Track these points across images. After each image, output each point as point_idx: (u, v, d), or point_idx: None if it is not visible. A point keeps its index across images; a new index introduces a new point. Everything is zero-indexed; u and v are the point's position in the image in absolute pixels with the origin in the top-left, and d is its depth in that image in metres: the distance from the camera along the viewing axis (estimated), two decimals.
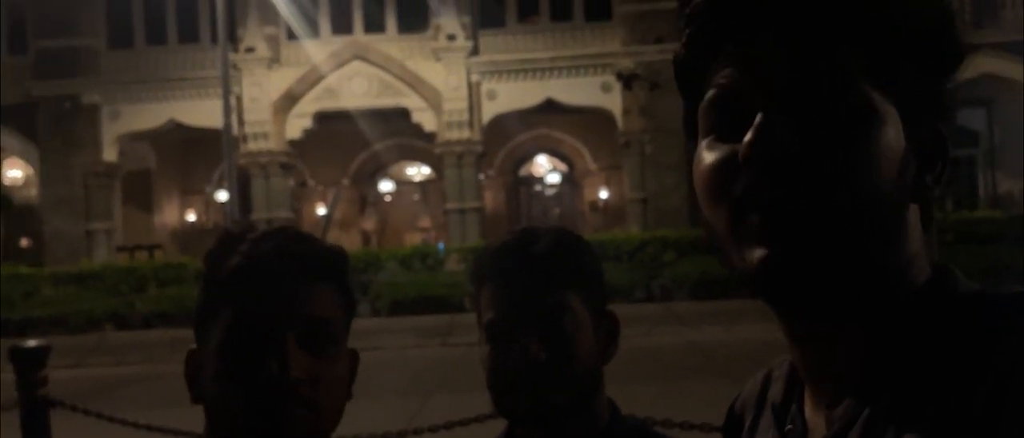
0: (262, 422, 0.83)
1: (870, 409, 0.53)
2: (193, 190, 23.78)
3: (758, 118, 0.53)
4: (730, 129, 0.56)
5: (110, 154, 19.90)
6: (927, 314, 0.54)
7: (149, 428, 3.79)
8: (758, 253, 0.53)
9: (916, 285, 0.56)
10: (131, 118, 19.88)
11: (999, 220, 14.83)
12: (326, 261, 0.91)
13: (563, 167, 24.23)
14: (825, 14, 0.54)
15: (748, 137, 0.53)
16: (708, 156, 0.57)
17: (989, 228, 13.94)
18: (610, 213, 22.22)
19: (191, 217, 23.98)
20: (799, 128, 0.53)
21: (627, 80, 18.80)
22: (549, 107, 19.66)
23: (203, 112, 19.33)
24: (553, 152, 23.95)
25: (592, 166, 23.10)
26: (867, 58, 0.54)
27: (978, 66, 15.40)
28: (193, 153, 22.62)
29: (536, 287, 1.04)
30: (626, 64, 18.91)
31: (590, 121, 20.78)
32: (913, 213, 0.57)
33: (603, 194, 23.06)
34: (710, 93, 0.58)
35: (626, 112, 19.12)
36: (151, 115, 19.87)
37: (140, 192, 21.98)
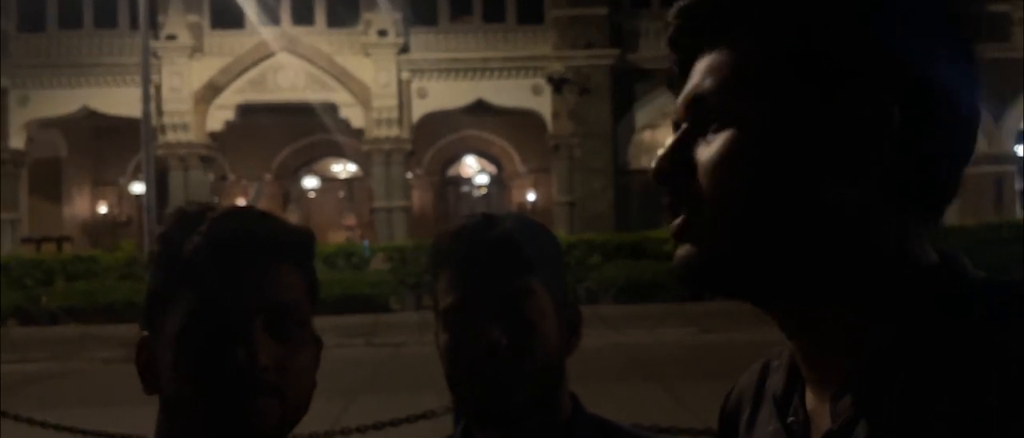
0: (229, 413, 0.78)
1: (877, 401, 0.52)
2: (106, 181, 22.89)
3: (673, 136, 0.58)
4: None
5: (17, 141, 18.99)
6: (934, 301, 0.53)
7: (59, 428, 3.59)
8: (678, 250, 0.58)
9: (919, 271, 0.55)
10: (41, 104, 19.00)
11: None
12: (292, 242, 0.86)
13: (492, 168, 24.26)
14: (751, 26, 0.57)
15: (658, 155, 0.58)
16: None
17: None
18: (538, 215, 22.29)
19: (103, 209, 23.07)
20: (707, 141, 0.56)
21: (557, 84, 18.96)
22: (479, 108, 19.67)
23: (119, 100, 18.63)
24: (482, 153, 23.96)
25: (520, 168, 23.19)
26: (804, 57, 0.55)
27: None
28: (106, 143, 21.78)
29: (497, 271, 0.99)
30: (557, 68, 19.06)
31: (520, 123, 20.87)
32: (867, 194, 0.55)
33: (531, 197, 23.19)
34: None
35: (556, 115, 19.27)
36: (62, 101, 19.04)
37: (49, 182, 21.04)
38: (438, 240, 1.06)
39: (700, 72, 0.58)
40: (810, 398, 0.59)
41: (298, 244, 0.87)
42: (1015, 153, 19.70)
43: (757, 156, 0.54)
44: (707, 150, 0.56)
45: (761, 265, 0.55)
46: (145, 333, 0.85)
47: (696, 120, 0.58)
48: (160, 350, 0.82)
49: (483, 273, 1.00)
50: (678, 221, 0.58)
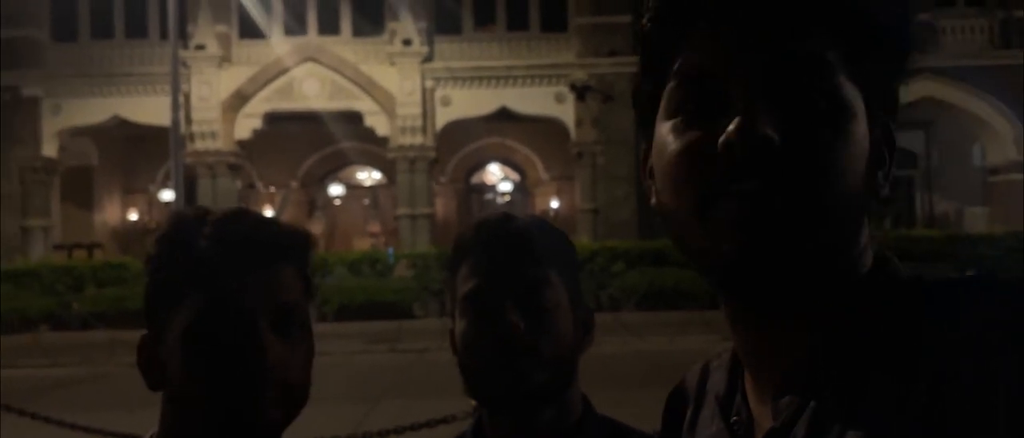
0: (238, 408, 0.81)
1: (816, 400, 0.53)
2: (136, 189, 23.21)
3: (742, 104, 0.52)
4: (701, 113, 0.55)
5: (50, 149, 19.31)
6: (868, 301, 0.54)
7: (89, 430, 3.68)
8: (731, 243, 0.53)
9: (860, 274, 0.56)
10: (73, 113, 19.33)
11: (936, 239, 15.32)
12: (291, 244, 0.89)
13: (515, 176, 24.28)
14: (799, 2, 0.54)
15: (733, 126, 0.52)
16: (676, 140, 0.55)
17: (926, 247, 14.39)
18: (561, 223, 22.25)
19: (133, 216, 23.39)
20: (781, 119, 0.52)
21: (581, 91, 18.95)
22: (503, 116, 19.71)
23: (149, 109, 18.90)
24: (505, 161, 23.99)
25: (544, 176, 23.20)
26: (840, 49, 0.54)
27: (917, 89, 15.92)
28: (137, 151, 22.09)
29: (516, 260, 1.02)
30: (580, 75, 19.06)
31: (543, 131, 20.88)
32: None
33: (554, 204, 23.18)
34: (682, 74, 0.56)
35: (579, 123, 19.26)
36: (94, 110, 19.35)
37: (80, 189, 21.37)
38: (460, 234, 1.09)
39: (750, 46, 0.53)
40: (753, 397, 0.59)
41: (298, 246, 0.90)
42: None
43: (850, 152, 0.53)
44: (804, 136, 0.52)
45: (813, 266, 0.53)
46: (145, 332, 0.88)
47: (759, 95, 0.53)
48: (166, 348, 0.85)
49: (503, 261, 1.02)
50: (747, 192, 0.52)
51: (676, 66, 0.56)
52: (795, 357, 0.55)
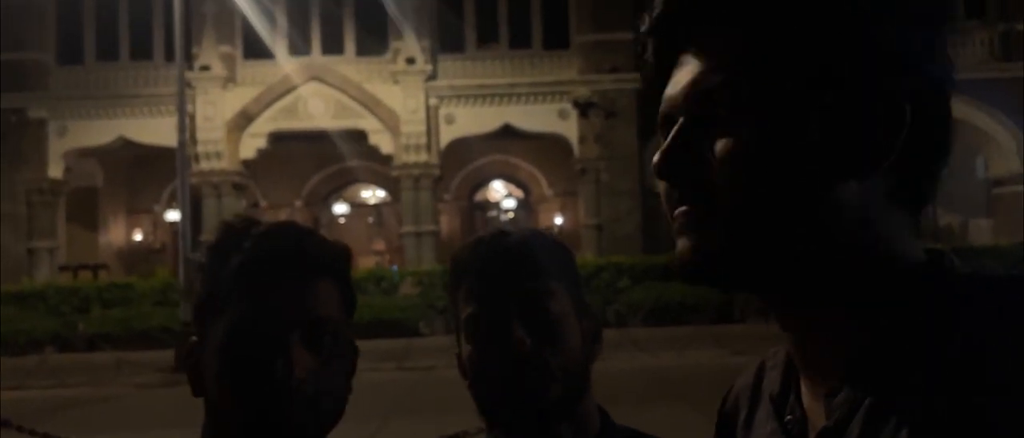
0: (266, 422, 0.82)
1: (871, 397, 0.52)
2: (141, 209, 23.27)
3: (672, 133, 0.58)
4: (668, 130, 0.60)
5: (55, 170, 19.40)
6: (921, 297, 0.54)
7: None
8: (678, 244, 0.58)
9: (908, 268, 0.55)
10: (79, 134, 19.43)
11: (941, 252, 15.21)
12: (329, 258, 0.90)
13: (519, 193, 24.31)
14: (739, 26, 0.56)
15: (660, 148, 0.58)
16: (653, 157, 0.60)
17: None
18: (565, 239, 22.09)
19: (138, 236, 23.44)
20: (707, 137, 0.56)
21: (583, 108, 19.01)
22: (506, 132, 19.76)
23: (154, 130, 18.99)
24: (509, 177, 24.03)
25: (548, 192, 23.22)
26: (801, 53, 0.55)
27: None
28: (142, 171, 22.17)
29: (517, 274, 1.01)
30: (582, 92, 19.13)
31: (546, 147, 20.92)
32: (853, 191, 0.55)
33: (558, 220, 23.18)
34: (660, 109, 0.61)
35: (582, 139, 19.31)
36: (100, 132, 19.45)
37: (85, 210, 21.44)
38: (456, 255, 1.07)
39: (701, 66, 0.57)
40: (806, 396, 0.59)
41: (335, 259, 0.91)
42: None
43: (775, 153, 0.54)
44: (723, 145, 0.55)
45: (768, 260, 0.55)
46: (194, 339, 0.90)
47: (700, 113, 0.56)
48: (206, 357, 0.87)
49: (502, 278, 1.00)
50: (681, 211, 0.57)
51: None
52: (848, 355, 0.55)
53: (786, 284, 0.57)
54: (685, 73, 0.58)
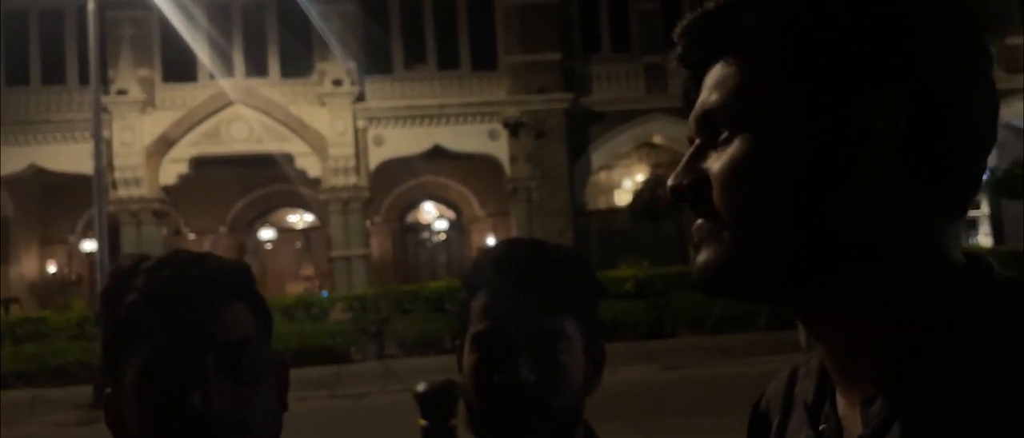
0: None
1: (909, 406, 0.51)
2: (54, 240, 22.32)
3: (689, 150, 0.60)
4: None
5: None
6: (962, 303, 0.53)
7: None
8: (696, 256, 0.60)
9: (948, 272, 0.55)
10: None
11: None
12: (230, 278, 0.87)
13: (450, 214, 24.24)
14: (749, 37, 0.58)
15: (675, 171, 0.60)
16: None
17: None
18: None
19: (52, 269, 22.45)
20: (713, 154, 0.58)
21: (514, 128, 19.13)
22: (436, 153, 19.72)
23: (68, 157, 18.28)
24: (440, 199, 23.94)
25: (479, 212, 23.21)
26: (777, 58, 0.56)
27: None
28: (55, 200, 21.29)
29: (536, 308, 0.99)
30: (512, 112, 19.25)
31: (477, 168, 20.94)
32: (888, 196, 0.54)
33: (490, 240, 23.18)
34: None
35: (513, 159, 19.40)
36: (9, 160, 18.62)
37: None
38: (479, 261, 1.05)
39: (707, 87, 0.60)
40: (841, 404, 0.59)
41: (237, 279, 0.88)
42: None
43: (764, 164, 0.55)
44: (718, 161, 0.57)
45: (775, 269, 0.56)
46: (109, 390, 0.87)
47: (707, 134, 0.59)
48: (123, 404, 0.83)
49: (521, 306, 0.98)
50: (696, 225, 0.59)
51: None
52: (885, 363, 0.54)
53: (807, 292, 0.57)
54: (699, 97, 0.61)
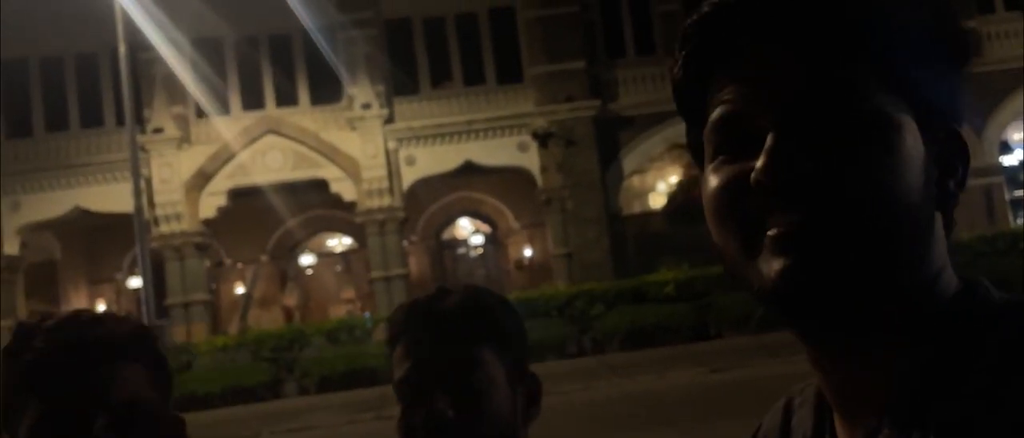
0: None
1: (915, 432, 0.50)
2: (102, 278, 22.80)
3: (769, 140, 0.52)
4: (737, 149, 0.55)
5: (11, 247, 18.96)
6: (965, 330, 0.52)
7: None
8: (777, 264, 0.52)
9: (945, 298, 0.54)
10: (33, 208, 19.04)
11: None
12: (127, 339, 0.90)
13: (486, 228, 24.28)
14: (827, 23, 0.53)
15: (760, 162, 0.52)
16: (715, 178, 0.56)
17: None
18: (535, 270, 22.30)
19: (101, 307, 22.91)
20: (812, 146, 0.52)
21: (543, 139, 19.12)
22: (468, 169, 19.78)
23: (110, 197, 18.68)
24: (475, 214, 24.01)
25: (515, 225, 23.22)
26: (875, 65, 0.53)
27: None
28: (100, 240, 21.76)
29: (444, 342, 1.01)
30: (540, 123, 19.26)
31: (510, 181, 20.97)
32: (937, 222, 0.55)
33: (527, 252, 23.16)
34: (715, 113, 0.56)
35: (544, 170, 19.39)
36: (54, 204, 19.08)
37: (45, 284, 20.94)
38: (393, 315, 1.08)
39: (790, 68, 0.53)
40: (842, 434, 0.57)
41: (134, 340, 0.90)
42: (1000, 164, 19.84)
43: (906, 175, 0.52)
44: (855, 160, 0.51)
45: (869, 284, 0.51)
46: None
47: (788, 126, 0.53)
48: None
49: (431, 344, 1.01)
50: (790, 222, 0.51)
51: (712, 107, 0.57)
52: (888, 392, 0.53)
53: (868, 317, 0.53)
54: (765, 73, 0.54)
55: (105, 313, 0.95)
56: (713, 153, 0.57)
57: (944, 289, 0.54)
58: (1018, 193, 20.94)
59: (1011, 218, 19.84)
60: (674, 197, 19.50)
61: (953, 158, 0.56)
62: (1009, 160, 20.20)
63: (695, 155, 0.61)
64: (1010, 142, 20.16)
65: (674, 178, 20.44)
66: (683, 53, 0.59)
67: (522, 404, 1.05)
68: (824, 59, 0.53)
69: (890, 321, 0.53)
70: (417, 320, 1.03)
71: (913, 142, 0.53)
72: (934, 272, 0.54)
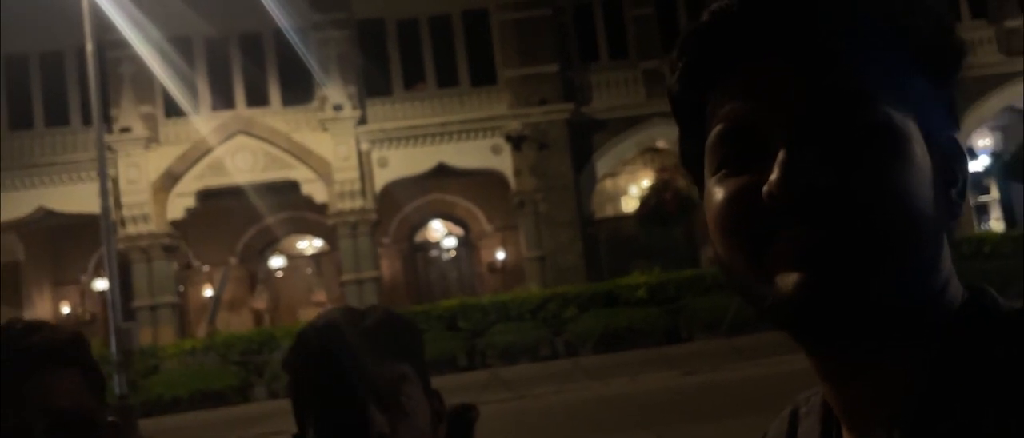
0: None
1: None
2: (67, 280, 22.40)
3: (781, 155, 0.51)
4: (743, 161, 0.54)
5: None
6: (973, 339, 0.51)
7: None
8: (791, 278, 0.51)
9: (953, 308, 0.54)
10: None
11: None
12: (62, 347, 0.90)
13: (458, 230, 24.22)
14: (830, 34, 0.53)
15: (775, 175, 0.50)
16: (721, 191, 0.54)
17: None
18: (508, 273, 22.29)
19: (66, 309, 22.51)
20: (825, 159, 0.51)
21: (516, 141, 19.14)
22: (441, 171, 19.73)
23: (75, 197, 18.37)
24: (448, 216, 23.94)
25: (487, 227, 23.19)
26: (879, 74, 0.53)
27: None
28: (65, 241, 21.38)
29: (373, 359, 0.99)
30: (514, 126, 19.26)
31: (483, 183, 20.95)
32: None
33: (500, 255, 23.14)
34: (720, 126, 0.55)
35: (517, 172, 19.40)
36: (18, 204, 18.72)
37: (8, 287, 20.51)
38: (302, 335, 1.04)
39: (783, 89, 0.53)
40: None
41: (66, 348, 0.90)
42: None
43: (907, 182, 0.51)
44: (856, 172, 0.51)
45: (886, 296, 0.50)
46: None
47: (800, 139, 0.52)
48: None
49: (357, 362, 0.98)
50: (809, 234, 0.50)
51: (713, 121, 0.56)
52: (896, 403, 0.52)
53: (878, 327, 0.52)
54: (771, 86, 0.53)
55: (40, 321, 0.95)
56: (717, 165, 0.55)
57: (952, 298, 0.54)
58: (983, 198, 21.36)
59: (975, 223, 20.22)
60: (647, 200, 19.60)
61: (954, 167, 0.56)
62: (974, 166, 20.58)
63: (689, 164, 0.60)
64: (975, 149, 20.54)
65: (646, 182, 20.55)
66: (681, 62, 0.57)
67: (435, 421, 1.05)
68: (829, 71, 0.52)
69: (903, 333, 0.52)
70: (338, 338, 1.00)
71: (922, 152, 0.53)
72: (942, 281, 0.54)
